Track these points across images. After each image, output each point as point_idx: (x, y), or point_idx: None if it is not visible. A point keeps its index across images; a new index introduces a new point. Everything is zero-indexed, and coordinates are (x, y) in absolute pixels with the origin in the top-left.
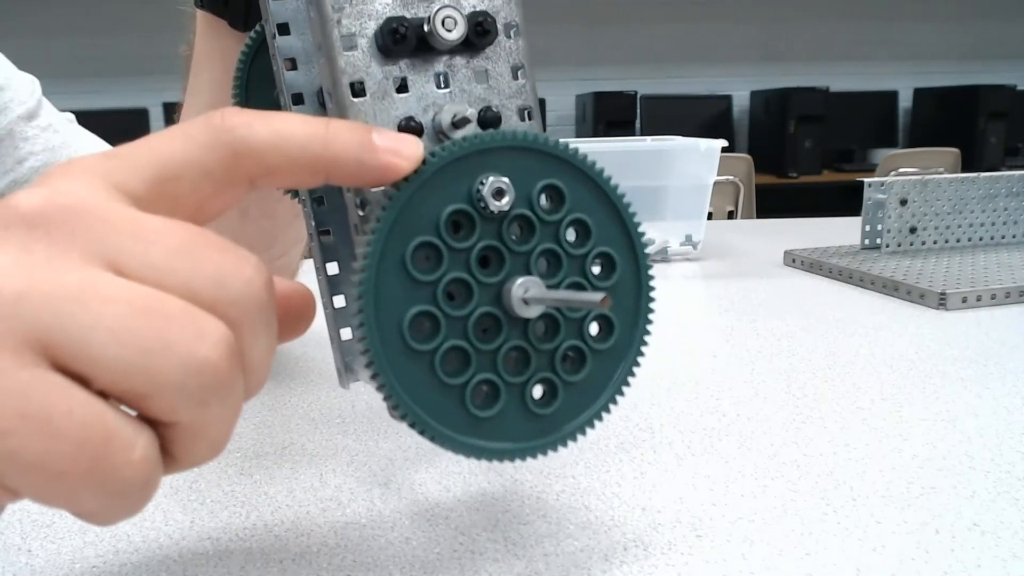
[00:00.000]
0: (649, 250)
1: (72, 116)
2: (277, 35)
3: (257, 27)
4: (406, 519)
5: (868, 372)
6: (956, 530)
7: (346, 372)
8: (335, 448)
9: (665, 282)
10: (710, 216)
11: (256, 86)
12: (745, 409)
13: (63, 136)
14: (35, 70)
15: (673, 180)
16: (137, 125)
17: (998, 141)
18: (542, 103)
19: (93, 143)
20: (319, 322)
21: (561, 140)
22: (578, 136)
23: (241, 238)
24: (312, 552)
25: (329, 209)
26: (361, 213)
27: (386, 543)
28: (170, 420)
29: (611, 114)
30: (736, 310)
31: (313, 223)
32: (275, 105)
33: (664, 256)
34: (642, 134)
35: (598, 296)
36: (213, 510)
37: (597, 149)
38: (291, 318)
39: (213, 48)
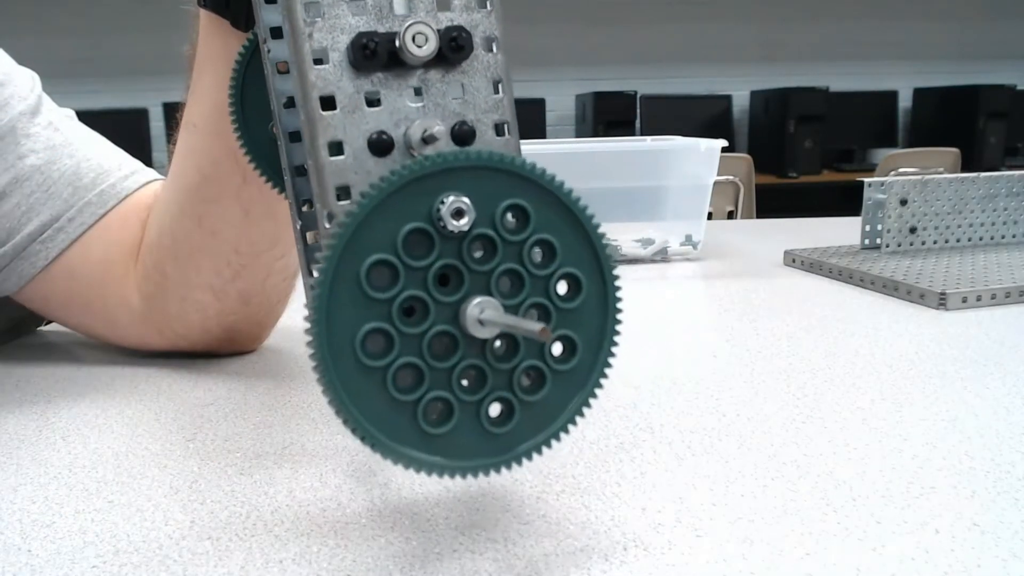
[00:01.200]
0: (649, 250)
1: (72, 112)
2: (269, 39)
3: (255, 28)
4: (406, 519)
5: (868, 372)
6: (956, 530)
7: None
8: (335, 448)
9: (665, 282)
10: (710, 216)
11: (252, 88)
12: (745, 409)
13: (64, 135)
14: (35, 70)
15: (673, 180)
16: (137, 125)
17: (998, 141)
18: (542, 103)
19: (94, 141)
20: None
21: (528, 160)
22: (578, 136)
23: (245, 237)
24: (312, 552)
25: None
26: (327, 226)
27: (386, 543)
28: None
29: (611, 114)
30: (736, 310)
31: (299, 224)
32: (269, 107)
33: (664, 256)
34: (642, 134)
35: (538, 326)
36: (213, 510)
37: (597, 149)
38: None
39: (215, 47)
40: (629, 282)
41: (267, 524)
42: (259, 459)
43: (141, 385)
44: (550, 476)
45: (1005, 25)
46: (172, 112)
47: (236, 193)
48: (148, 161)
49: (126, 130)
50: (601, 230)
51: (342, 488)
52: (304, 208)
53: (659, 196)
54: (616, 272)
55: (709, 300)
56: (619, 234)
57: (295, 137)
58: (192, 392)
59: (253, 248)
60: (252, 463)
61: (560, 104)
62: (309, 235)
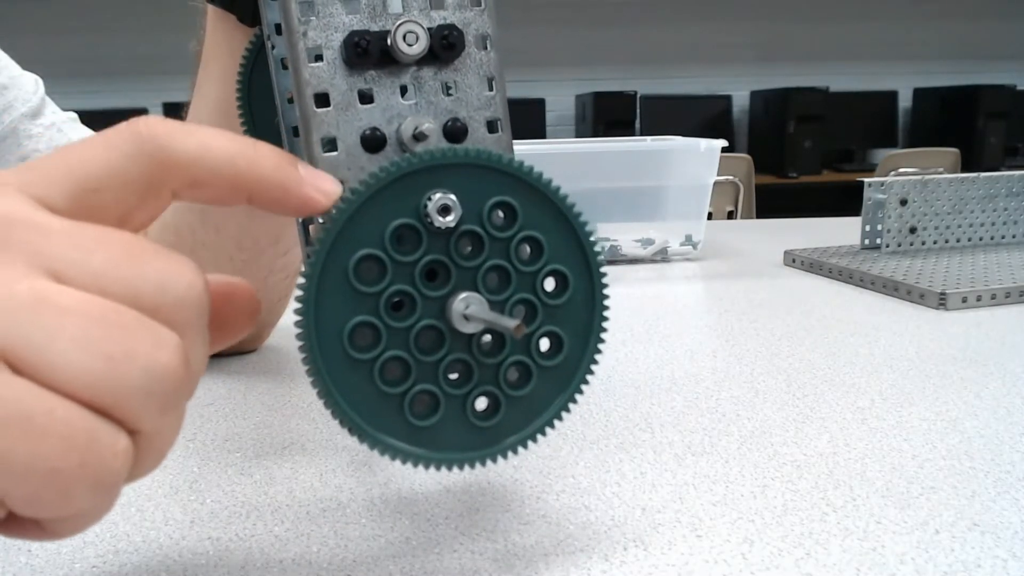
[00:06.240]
0: (649, 250)
1: (75, 115)
2: (273, 35)
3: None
4: (406, 519)
5: (868, 372)
6: (956, 530)
7: None
8: (335, 447)
9: (665, 282)
10: (710, 216)
11: (258, 83)
12: (745, 409)
13: (67, 135)
14: (35, 70)
15: (673, 180)
16: None
17: (998, 141)
18: (541, 103)
19: None
20: None
21: (516, 158)
22: (578, 136)
23: (248, 233)
24: (312, 552)
25: None
26: (321, 220)
27: (386, 543)
28: (133, 427)
29: (611, 114)
30: (736, 310)
31: (301, 217)
32: (274, 101)
33: (664, 256)
34: (642, 134)
35: (513, 323)
36: (213, 510)
37: (597, 149)
38: (237, 312)
39: (222, 43)
40: (629, 282)
41: (267, 524)
42: (259, 459)
43: None
44: (550, 476)
45: (1005, 25)
46: (172, 112)
47: None
48: None
49: None
50: (589, 227)
51: (342, 488)
52: None
53: (659, 196)
54: (604, 269)
55: (709, 300)
56: (619, 234)
57: (298, 132)
58: None
59: (255, 244)
60: (252, 463)
61: (560, 104)
62: (311, 228)
